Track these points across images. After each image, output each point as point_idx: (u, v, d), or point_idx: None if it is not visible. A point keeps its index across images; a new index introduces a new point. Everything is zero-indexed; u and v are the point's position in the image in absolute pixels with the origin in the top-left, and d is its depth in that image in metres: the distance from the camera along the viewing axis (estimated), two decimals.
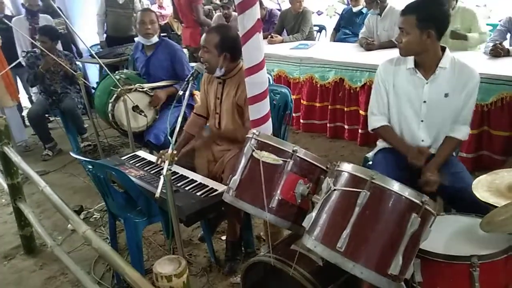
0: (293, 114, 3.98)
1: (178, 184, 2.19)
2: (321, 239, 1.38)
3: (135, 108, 3.12)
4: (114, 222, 2.48)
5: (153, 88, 3.30)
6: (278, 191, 1.59)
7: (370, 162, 2.33)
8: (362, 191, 1.34)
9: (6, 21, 4.41)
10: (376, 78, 2.21)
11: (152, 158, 2.56)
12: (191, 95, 3.23)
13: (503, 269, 1.46)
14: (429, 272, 1.46)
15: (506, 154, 3.05)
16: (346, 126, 4.04)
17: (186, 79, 2.11)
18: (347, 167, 1.43)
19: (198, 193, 2.10)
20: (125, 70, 3.89)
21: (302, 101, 4.30)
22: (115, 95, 3.12)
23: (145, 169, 2.42)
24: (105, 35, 5.40)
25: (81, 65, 5.36)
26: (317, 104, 4.19)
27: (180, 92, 2.09)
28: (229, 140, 2.41)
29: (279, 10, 6.13)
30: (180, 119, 1.94)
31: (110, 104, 3.17)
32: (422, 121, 2.11)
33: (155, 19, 3.33)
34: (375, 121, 2.21)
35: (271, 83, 3.02)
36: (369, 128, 2.27)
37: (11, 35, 4.80)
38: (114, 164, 2.41)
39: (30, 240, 2.78)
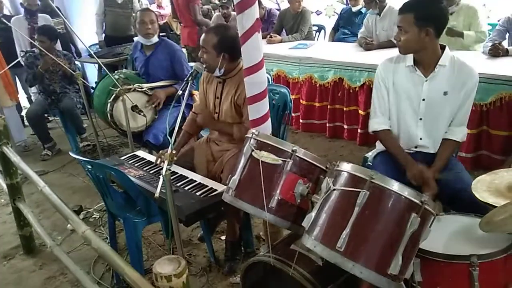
0: (293, 114, 3.98)
1: (178, 184, 2.19)
2: (320, 239, 1.38)
3: (134, 108, 3.12)
4: (114, 222, 2.48)
5: (152, 88, 3.29)
6: (278, 191, 1.59)
7: (370, 163, 2.32)
8: (361, 190, 1.33)
9: (4, 20, 4.40)
10: (376, 78, 2.21)
11: (151, 158, 2.56)
12: (190, 95, 3.23)
13: (503, 269, 1.46)
14: (428, 271, 1.46)
15: (505, 154, 3.06)
16: (345, 126, 4.04)
17: (185, 79, 2.11)
18: (346, 167, 1.43)
19: (198, 193, 2.10)
20: (124, 70, 3.89)
21: (301, 101, 4.30)
22: (114, 95, 3.12)
23: (145, 169, 2.42)
24: (103, 34, 5.40)
25: (80, 65, 5.36)
26: (317, 104, 4.19)
27: (179, 92, 2.09)
28: (223, 133, 2.39)
29: (278, 9, 6.13)
30: (179, 119, 1.94)
31: (109, 104, 3.16)
32: (420, 119, 2.11)
33: (155, 19, 3.33)
34: (376, 124, 2.21)
35: (270, 83, 3.02)
36: (370, 130, 2.26)
37: (10, 35, 4.80)
38: (113, 164, 2.41)
39: (30, 240, 2.78)
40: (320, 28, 5.74)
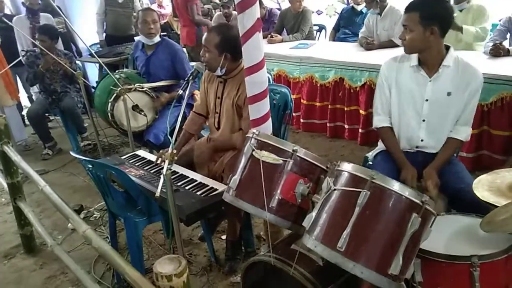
0: (293, 114, 3.98)
1: (178, 184, 2.19)
2: (321, 239, 1.37)
3: (135, 107, 3.12)
4: (114, 221, 2.48)
5: (153, 88, 3.29)
6: (278, 191, 1.58)
7: (371, 163, 2.32)
8: (362, 190, 1.33)
9: (5, 20, 4.40)
10: (380, 76, 2.21)
11: (152, 157, 2.56)
12: (191, 94, 3.23)
13: (504, 269, 1.46)
14: (429, 272, 1.46)
15: (506, 154, 3.05)
16: (346, 126, 4.03)
17: (186, 79, 2.11)
18: (347, 167, 1.43)
19: (198, 193, 2.10)
20: (125, 70, 3.89)
21: (302, 100, 4.30)
22: (115, 95, 3.12)
23: (145, 168, 2.42)
24: (104, 34, 5.40)
25: (80, 64, 5.36)
26: (317, 104, 4.19)
27: (180, 92, 2.09)
28: (225, 149, 2.40)
29: (279, 9, 6.13)
30: (180, 119, 1.94)
31: (109, 104, 3.16)
32: (423, 120, 2.10)
33: (157, 18, 3.33)
34: (378, 121, 2.22)
35: (271, 82, 3.02)
36: (373, 126, 2.28)
37: (11, 34, 4.80)
38: (114, 164, 2.41)
39: (30, 239, 2.78)
40: (321, 27, 5.74)
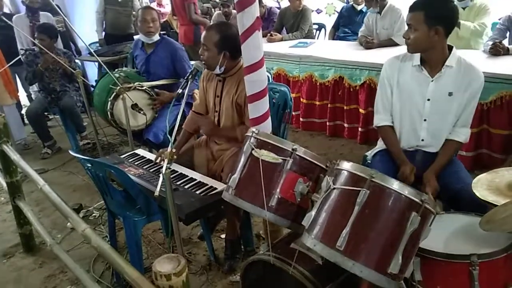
0: (293, 113, 3.98)
1: (178, 183, 2.19)
2: (320, 237, 1.37)
3: (134, 106, 3.12)
4: (114, 220, 2.48)
5: (152, 87, 3.29)
6: (278, 190, 1.58)
7: (369, 162, 2.32)
8: (361, 189, 1.33)
9: (4, 19, 4.39)
10: (382, 75, 2.21)
11: (151, 156, 2.56)
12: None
13: (503, 268, 1.46)
14: (428, 270, 1.46)
15: (505, 153, 3.06)
16: (345, 125, 4.04)
17: (185, 77, 2.11)
18: (346, 166, 1.43)
19: (198, 192, 2.10)
20: (124, 68, 3.89)
21: (301, 99, 4.29)
22: (114, 93, 3.11)
23: (144, 167, 2.42)
24: (104, 33, 5.39)
25: (80, 63, 5.36)
26: (317, 103, 4.19)
27: (179, 90, 2.09)
28: (228, 138, 2.40)
29: (279, 8, 6.12)
30: (179, 118, 1.94)
31: (109, 102, 3.16)
32: (425, 120, 2.10)
33: (157, 17, 3.33)
34: (378, 120, 2.22)
35: (270, 81, 3.02)
36: (374, 125, 2.28)
37: (10, 33, 4.79)
38: (113, 162, 2.41)
39: (29, 238, 2.78)
40: (321, 26, 5.74)
